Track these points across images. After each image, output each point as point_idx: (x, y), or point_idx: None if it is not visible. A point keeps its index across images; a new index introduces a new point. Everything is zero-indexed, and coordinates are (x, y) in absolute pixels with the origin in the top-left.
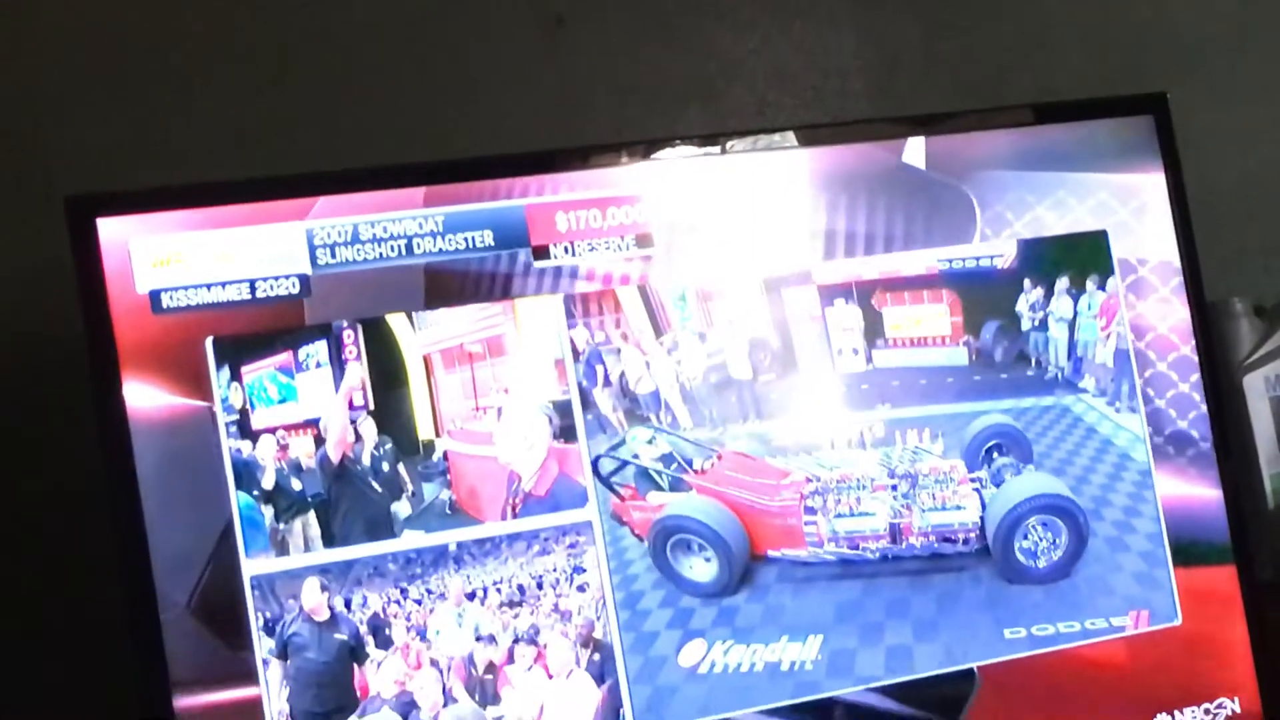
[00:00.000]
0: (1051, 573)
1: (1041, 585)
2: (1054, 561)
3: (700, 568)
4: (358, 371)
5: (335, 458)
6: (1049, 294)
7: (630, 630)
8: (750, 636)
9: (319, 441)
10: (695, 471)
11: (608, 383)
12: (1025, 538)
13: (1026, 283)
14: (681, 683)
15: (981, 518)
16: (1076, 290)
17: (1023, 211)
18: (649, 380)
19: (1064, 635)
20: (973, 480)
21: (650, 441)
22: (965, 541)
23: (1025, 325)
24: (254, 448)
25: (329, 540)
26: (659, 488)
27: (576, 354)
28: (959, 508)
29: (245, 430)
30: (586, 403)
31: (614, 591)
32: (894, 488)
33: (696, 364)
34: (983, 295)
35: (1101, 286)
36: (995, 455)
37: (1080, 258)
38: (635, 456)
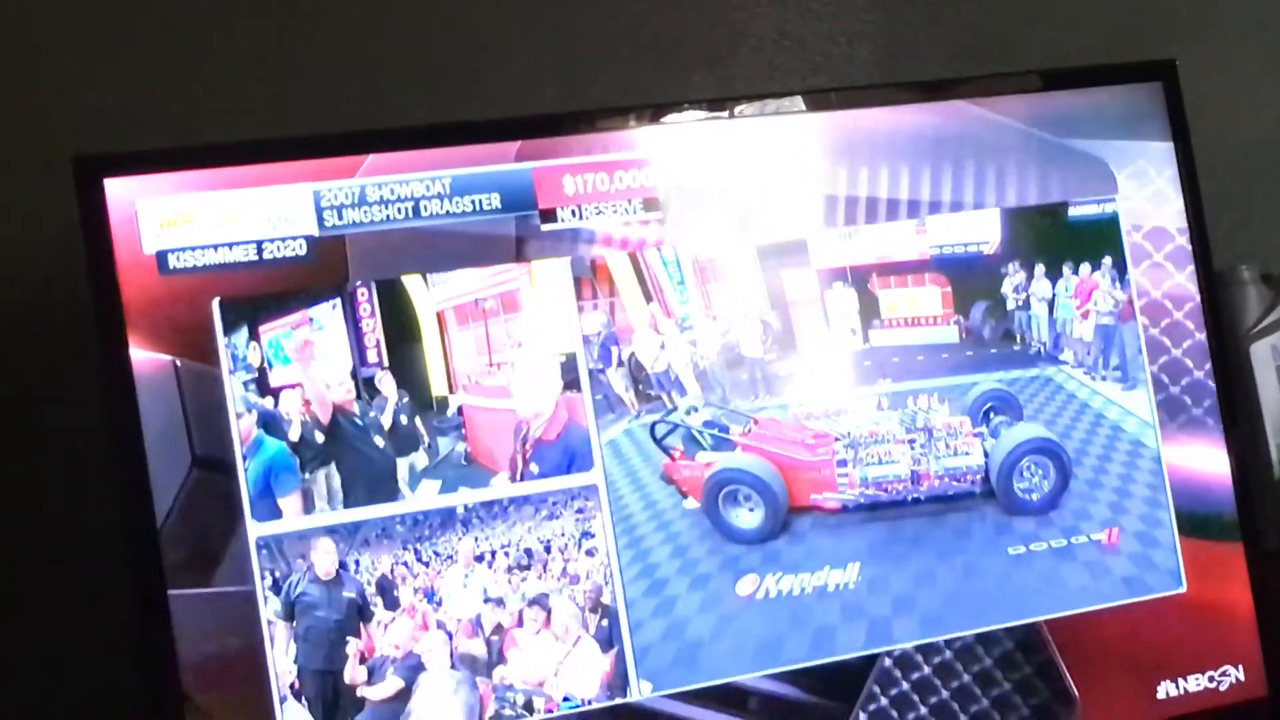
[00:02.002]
0: (1043, 505)
1: (1035, 516)
2: (1045, 495)
3: (746, 517)
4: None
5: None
6: (1030, 276)
7: (643, 580)
8: (796, 568)
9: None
10: (742, 432)
11: (620, 363)
12: (1021, 477)
13: (1011, 266)
14: (742, 610)
15: (985, 463)
16: (1054, 274)
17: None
18: (662, 360)
19: (1054, 549)
20: (975, 434)
21: (692, 411)
22: (973, 483)
23: (1010, 305)
24: (276, 404)
25: (348, 492)
26: (704, 448)
27: (586, 339)
28: (967, 454)
29: (264, 388)
30: (598, 382)
31: (622, 552)
32: (912, 441)
33: (711, 343)
34: (971, 278)
35: (1075, 271)
36: (992, 415)
37: (1075, 238)
38: (683, 422)
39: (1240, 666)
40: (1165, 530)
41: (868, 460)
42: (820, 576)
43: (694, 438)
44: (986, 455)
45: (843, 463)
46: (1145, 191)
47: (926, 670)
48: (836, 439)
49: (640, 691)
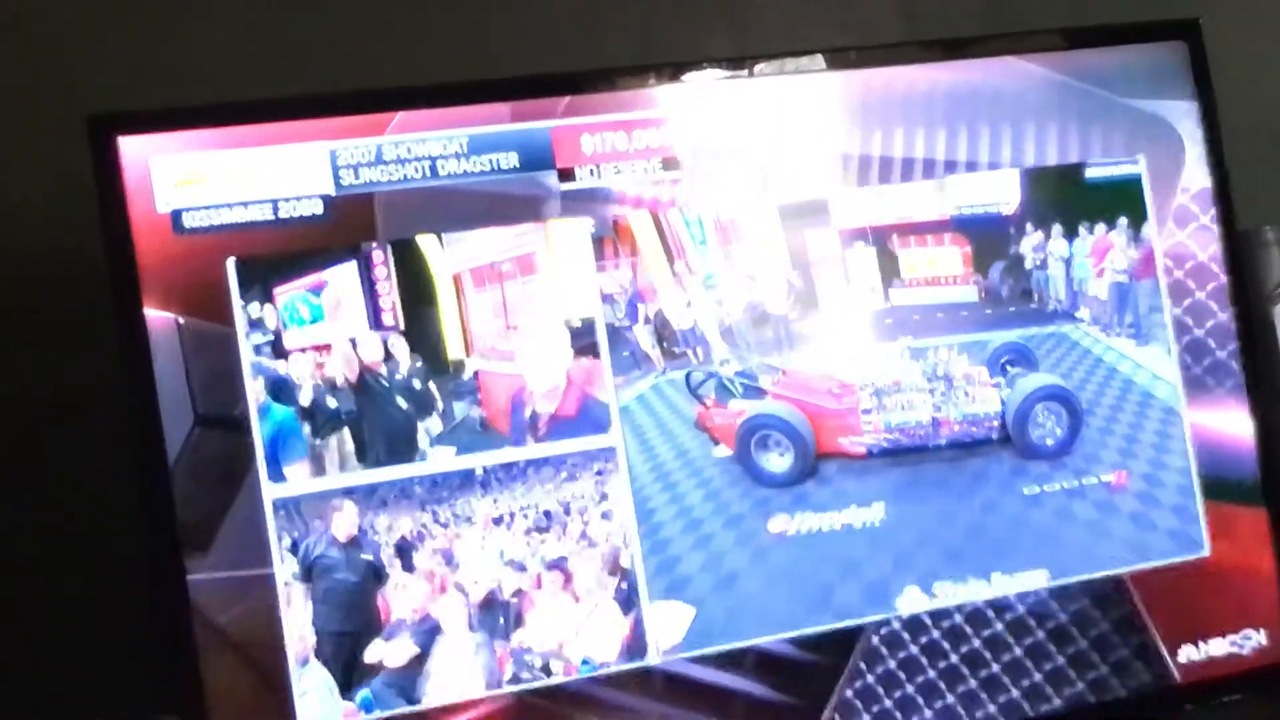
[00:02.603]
0: (1057, 449)
1: (1049, 460)
2: (1058, 440)
3: (777, 461)
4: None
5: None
6: (1048, 236)
7: (679, 520)
8: (824, 508)
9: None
10: (772, 381)
11: (647, 320)
12: (1035, 423)
13: (1028, 226)
14: (773, 545)
15: (1002, 410)
16: (1071, 234)
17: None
18: (688, 316)
19: (1068, 489)
20: (993, 383)
21: (725, 362)
22: (990, 429)
23: (1029, 264)
24: (288, 366)
25: (362, 456)
26: (735, 396)
27: (606, 296)
28: (985, 401)
29: (279, 350)
30: (624, 339)
31: (655, 497)
32: (932, 390)
33: (736, 300)
34: (990, 238)
35: (1091, 230)
36: (1009, 367)
37: (1092, 199)
38: (717, 373)
39: (1263, 630)
40: (1188, 492)
41: (891, 408)
42: (847, 515)
43: (726, 386)
44: (1003, 403)
45: (867, 410)
46: (1169, 152)
47: (936, 634)
48: (861, 388)
49: (659, 654)
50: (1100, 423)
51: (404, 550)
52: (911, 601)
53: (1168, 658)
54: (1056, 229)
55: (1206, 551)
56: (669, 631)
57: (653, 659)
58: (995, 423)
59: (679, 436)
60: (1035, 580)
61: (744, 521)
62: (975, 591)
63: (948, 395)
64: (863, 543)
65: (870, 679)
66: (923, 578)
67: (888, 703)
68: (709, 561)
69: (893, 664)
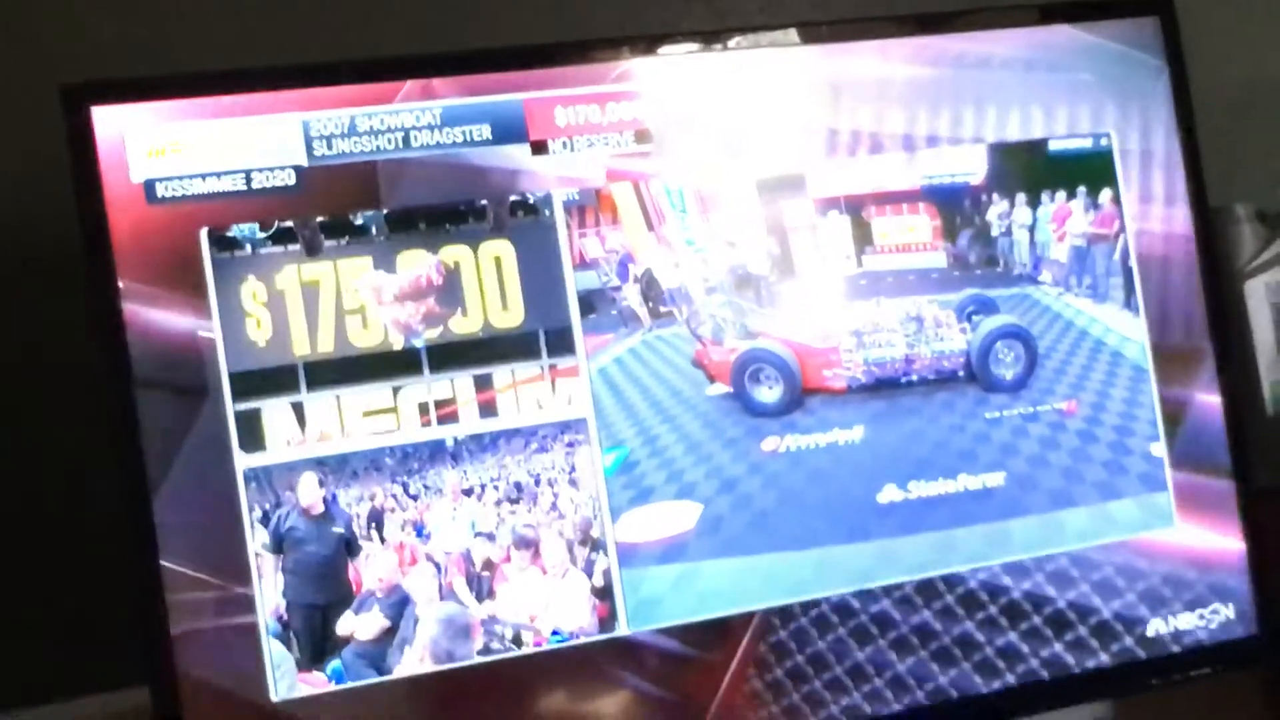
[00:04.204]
0: (1016, 383)
1: (1009, 393)
2: (1017, 374)
3: (767, 394)
4: None
5: None
6: (1012, 205)
7: (680, 445)
8: (810, 431)
9: None
10: (763, 324)
11: (636, 280)
12: (996, 360)
13: (994, 196)
14: (767, 460)
15: (967, 350)
16: (1034, 202)
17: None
18: (676, 277)
19: (1024, 414)
20: (960, 328)
21: (723, 305)
22: (956, 365)
23: (995, 232)
24: None
25: None
26: (729, 336)
27: (587, 262)
28: (952, 341)
29: None
30: (613, 299)
31: (655, 427)
32: (906, 331)
33: (720, 262)
34: (958, 207)
35: (1053, 198)
36: (973, 316)
37: (1054, 170)
38: (714, 315)
39: (1230, 605)
40: (1160, 485)
41: (869, 345)
42: (831, 436)
43: (721, 326)
44: (968, 344)
45: (848, 349)
46: (1140, 127)
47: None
48: (841, 329)
49: (627, 626)
50: (1055, 364)
51: (375, 522)
52: (889, 496)
53: (1134, 631)
54: (1020, 198)
55: (1174, 524)
56: (682, 521)
57: (623, 630)
58: (961, 360)
59: (672, 380)
60: (995, 480)
61: (739, 443)
62: (945, 488)
63: (919, 334)
64: (845, 454)
65: (800, 659)
66: (899, 478)
67: (806, 688)
68: (711, 471)
69: (828, 643)
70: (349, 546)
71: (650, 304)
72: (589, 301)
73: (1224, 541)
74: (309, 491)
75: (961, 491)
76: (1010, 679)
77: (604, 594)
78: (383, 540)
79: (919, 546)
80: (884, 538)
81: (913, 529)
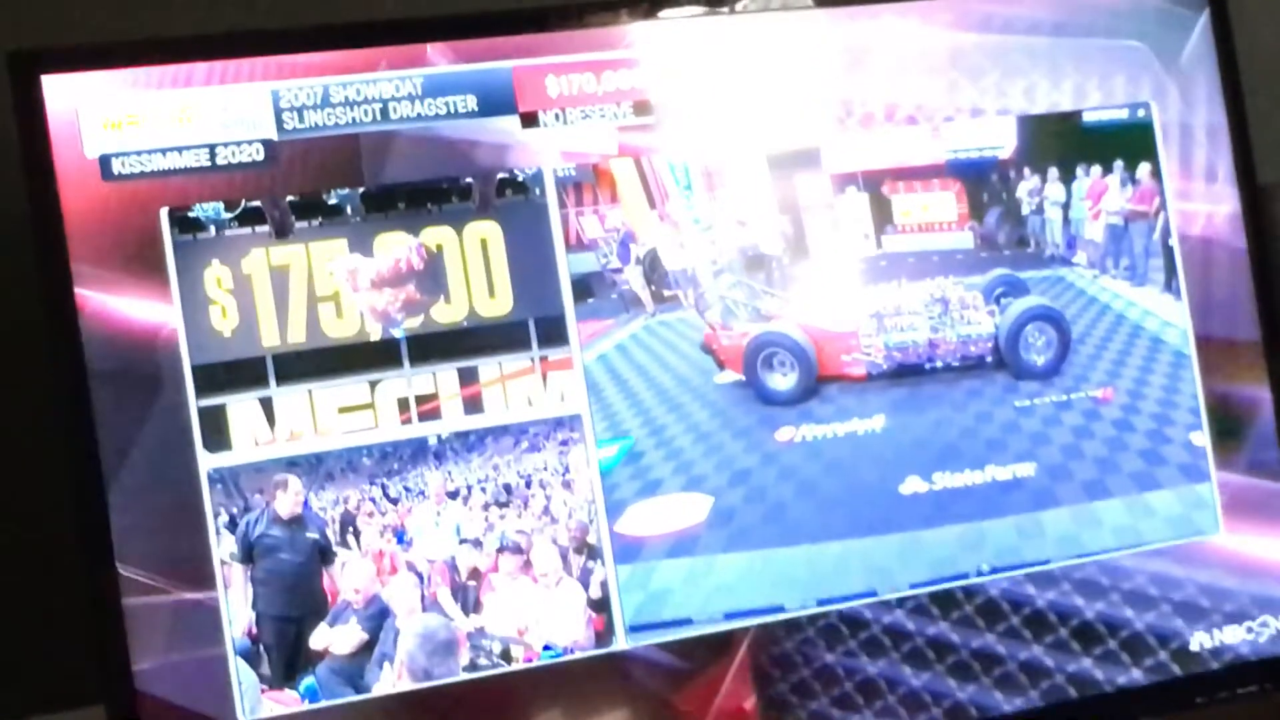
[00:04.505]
0: (1047, 369)
1: (1042, 379)
2: (1049, 360)
3: (781, 380)
4: None
5: None
6: (1044, 180)
7: (689, 435)
8: (827, 421)
9: None
10: (776, 307)
11: (638, 261)
12: (1027, 345)
13: (1025, 170)
14: (781, 450)
15: (995, 334)
16: (1068, 177)
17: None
18: (681, 258)
19: (1056, 402)
20: (988, 310)
21: (734, 286)
22: (984, 350)
23: (1025, 210)
24: None
25: None
26: (740, 320)
27: (585, 243)
28: (979, 323)
29: None
30: (613, 282)
31: (663, 417)
32: (930, 314)
33: (729, 243)
34: (986, 183)
35: (1088, 173)
36: (1002, 299)
37: (1089, 143)
38: (724, 296)
39: None
40: (1203, 476)
41: (890, 329)
42: (850, 425)
43: (732, 310)
44: (996, 328)
45: (867, 333)
46: (1183, 96)
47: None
48: (861, 312)
49: (625, 640)
50: (1090, 349)
51: (351, 527)
52: (913, 487)
53: (1175, 646)
54: (1053, 173)
55: (1219, 530)
56: (692, 515)
57: (621, 645)
58: (989, 344)
59: (678, 367)
60: (1025, 470)
61: (752, 433)
62: (971, 479)
63: (944, 317)
64: (865, 444)
65: (806, 673)
66: (923, 469)
67: (813, 705)
68: (722, 463)
69: (837, 656)
70: (324, 554)
71: (654, 287)
72: (587, 285)
73: (1274, 548)
74: (285, 495)
75: (990, 483)
76: (1034, 696)
77: (601, 606)
78: (360, 547)
79: (944, 539)
80: (907, 530)
81: (937, 522)
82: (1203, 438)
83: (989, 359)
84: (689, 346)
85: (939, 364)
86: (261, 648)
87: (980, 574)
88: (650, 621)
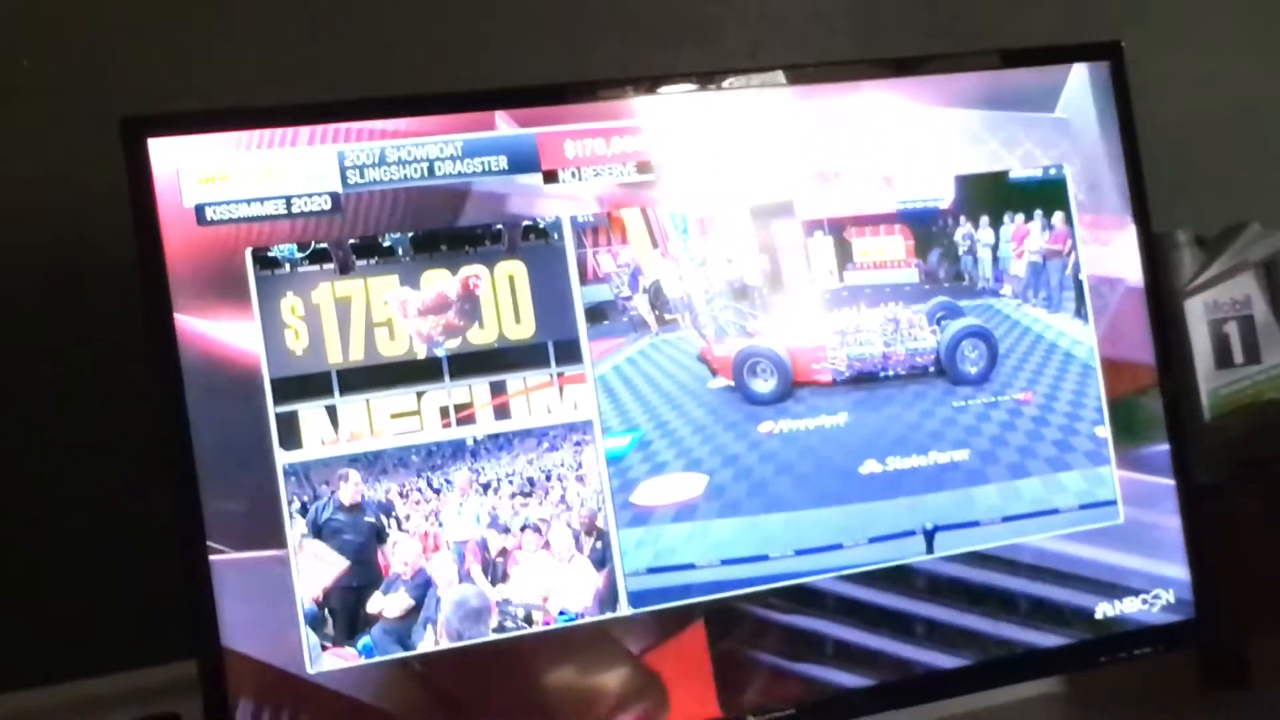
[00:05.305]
0: (979, 377)
1: (975, 385)
2: (981, 369)
3: (763, 385)
4: None
5: None
6: (977, 226)
7: (688, 428)
8: (800, 417)
9: None
10: (759, 325)
11: (644, 290)
12: (963, 356)
13: (962, 218)
14: (763, 440)
15: (937, 349)
16: (997, 223)
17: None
18: (681, 287)
19: (986, 403)
20: (931, 329)
21: (724, 310)
22: (927, 362)
23: (961, 250)
24: None
25: None
26: (729, 336)
27: (600, 276)
28: (924, 340)
29: None
30: (625, 308)
31: (666, 413)
32: (883, 331)
33: (718, 276)
34: (929, 229)
35: (1013, 220)
36: (942, 320)
37: (1014, 196)
38: (716, 318)
39: (1170, 591)
40: (1104, 460)
41: (850, 343)
42: (819, 420)
43: (723, 329)
44: (937, 344)
45: (833, 347)
46: (1091, 159)
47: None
48: (827, 329)
49: (627, 607)
50: (1014, 361)
51: (400, 513)
52: (870, 468)
53: (1083, 614)
54: (984, 220)
55: (1120, 519)
56: (691, 489)
57: (624, 610)
58: (932, 356)
59: (678, 376)
60: (961, 455)
61: (739, 426)
62: (917, 462)
63: (895, 334)
64: (831, 435)
65: (763, 639)
66: (878, 454)
67: (770, 660)
68: (715, 449)
69: (795, 621)
70: (379, 535)
71: (658, 311)
72: (602, 310)
73: (1166, 534)
74: (347, 485)
75: (932, 465)
76: (968, 656)
77: (609, 578)
78: (407, 530)
79: (895, 508)
80: (866, 502)
81: (890, 495)
82: (1104, 430)
83: (931, 368)
84: (687, 359)
85: (891, 372)
86: (327, 611)
87: (924, 530)
88: (662, 565)
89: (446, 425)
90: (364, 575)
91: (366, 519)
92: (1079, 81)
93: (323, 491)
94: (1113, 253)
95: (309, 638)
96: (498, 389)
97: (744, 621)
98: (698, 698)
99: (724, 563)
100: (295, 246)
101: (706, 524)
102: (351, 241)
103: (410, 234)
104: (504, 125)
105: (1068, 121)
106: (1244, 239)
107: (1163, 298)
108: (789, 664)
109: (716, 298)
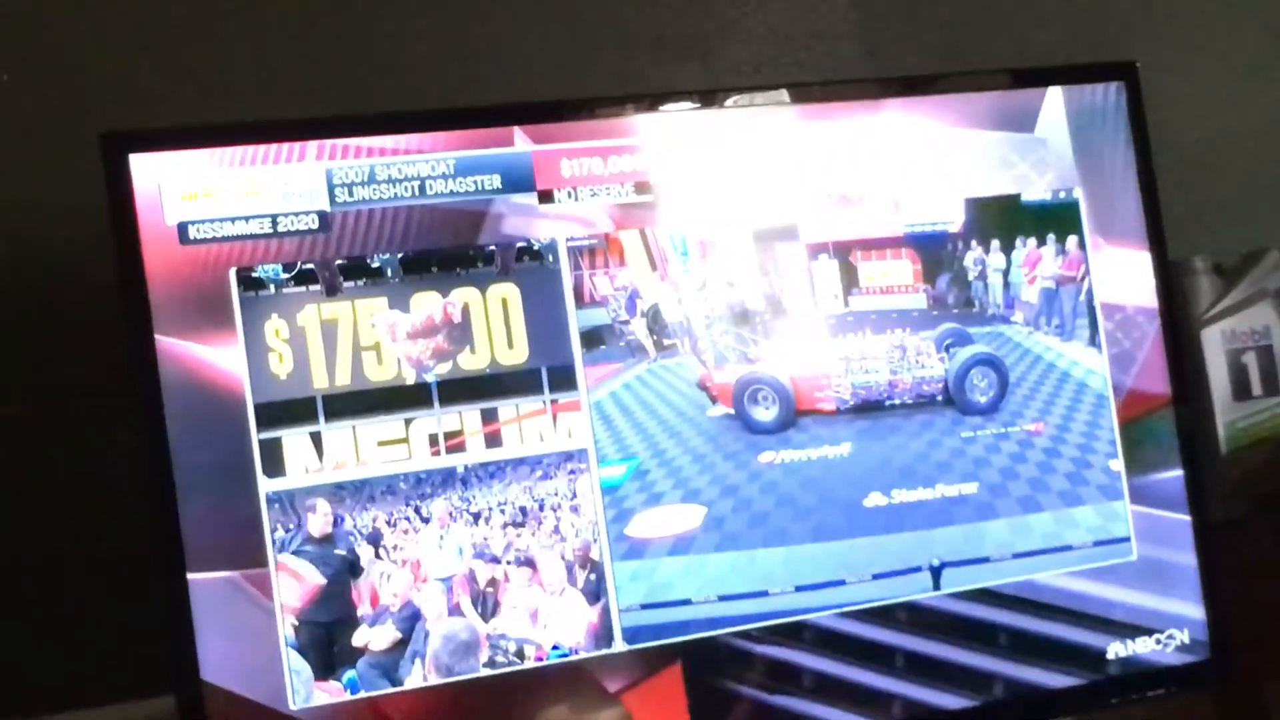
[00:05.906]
0: (988, 407)
1: (984, 415)
2: (990, 399)
3: (764, 413)
4: None
5: None
6: (988, 251)
7: (686, 457)
8: (803, 447)
9: None
10: (761, 352)
11: (643, 314)
12: (972, 385)
13: (971, 242)
14: (764, 470)
15: (945, 377)
16: (1008, 248)
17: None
18: (680, 311)
19: (996, 434)
20: (939, 357)
21: (724, 335)
22: (935, 391)
23: (971, 276)
24: None
25: None
26: (730, 362)
27: (597, 299)
28: (931, 367)
29: None
30: (622, 332)
31: (663, 441)
32: (890, 358)
33: (719, 300)
34: (937, 253)
35: (1025, 244)
36: (951, 348)
37: (1027, 219)
38: (716, 344)
39: (1185, 631)
40: (1118, 494)
41: (855, 371)
42: (822, 451)
43: (723, 355)
44: (946, 372)
45: (837, 374)
46: (1106, 183)
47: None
48: (831, 356)
49: (622, 642)
50: (1025, 391)
51: (384, 544)
52: (874, 501)
53: (1095, 654)
54: (995, 244)
55: (1134, 555)
56: (688, 521)
57: (619, 647)
58: (940, 385)
59: (677, 402)
60: (969, 488)
61: (739, 455)
62: (924, 495)
63: (902, 361)
64: (835, 466)
65: (765, 677)
66: (883, 487)
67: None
68: (714, 479)
69: (796, 660)
70: (352, 569)
71: (656, 336)
72: (598, 335)
73: (1181, 572)
74: (315, 516)
75: (939, 498)
76: (976, 699)
77: (602, 613)
78: (393, 560)
79: (901, 543)
80: (870, 536)
81: (895, 529)
82: (1119, 464)
83: (939, 397)
84: (686, 385)
85: (897, 401)
86: (301, 649)
87: (931, 566)
88: (657, 601)
89: (435, 453)
90: (334, 610)
91: (336, 551)
92: (1092, 102)
93: (306, 520)
94: (1127, 279)
95: (291, 672)
96: (489, 416)
97: (745, 659)
98: None
99: (721, 599)
100: (281, 267)
101: (703, 558)
102: (339, 262)
103: (400, 255)
104: (498, 143)
105: (1080, 143)
106: (1263, 267)
107: (1179, 326)
108: (787, 701)
109: (717, 322)
